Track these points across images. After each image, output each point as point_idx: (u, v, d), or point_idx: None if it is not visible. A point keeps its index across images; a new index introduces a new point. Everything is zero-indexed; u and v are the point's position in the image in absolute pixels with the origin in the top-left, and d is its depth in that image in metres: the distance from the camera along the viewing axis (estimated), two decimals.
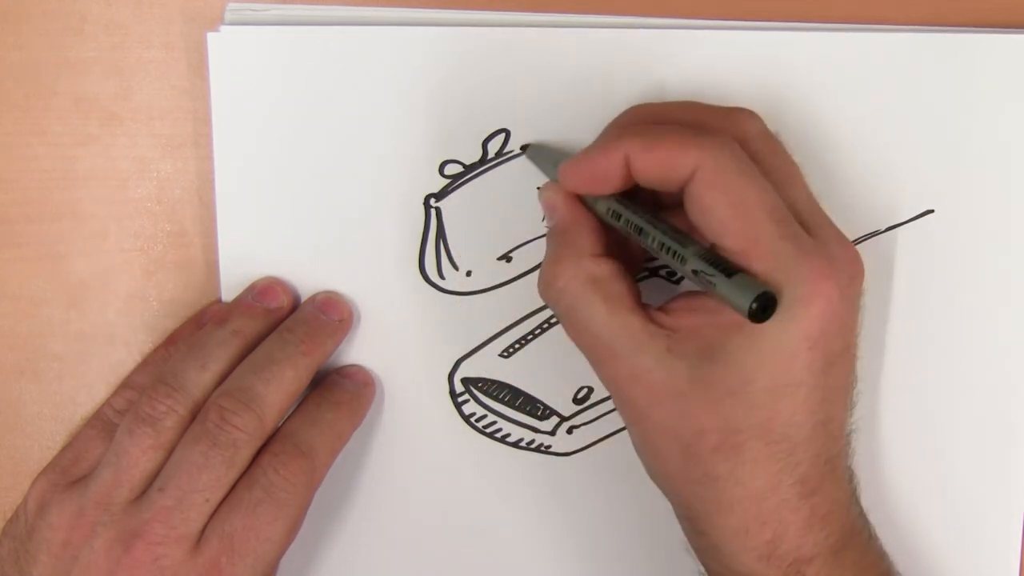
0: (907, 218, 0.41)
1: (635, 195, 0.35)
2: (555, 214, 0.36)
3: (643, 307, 0.34)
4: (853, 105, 0.40)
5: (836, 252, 0.33)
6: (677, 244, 0.33)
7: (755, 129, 0.35)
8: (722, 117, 0.35)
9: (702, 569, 0.36)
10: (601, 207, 0.35)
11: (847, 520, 0.34)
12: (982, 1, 0.41)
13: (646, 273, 0.40)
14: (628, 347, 0.33)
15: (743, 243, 0.32)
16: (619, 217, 0.35)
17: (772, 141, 0.35)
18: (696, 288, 0.34)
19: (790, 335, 0.32)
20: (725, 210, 0.32)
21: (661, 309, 0.34)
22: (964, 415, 0.42)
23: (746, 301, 0.30)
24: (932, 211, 0.41)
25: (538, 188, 0.38)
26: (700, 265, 0.32)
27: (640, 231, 0.34)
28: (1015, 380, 0.42)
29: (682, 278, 0.40)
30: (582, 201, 0.36)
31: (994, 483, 0.43)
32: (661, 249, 0.33)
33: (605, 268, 0.34)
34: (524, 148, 0.39)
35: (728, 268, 0.31)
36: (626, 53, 0.39)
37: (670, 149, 0.33)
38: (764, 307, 0.30)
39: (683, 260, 0.32)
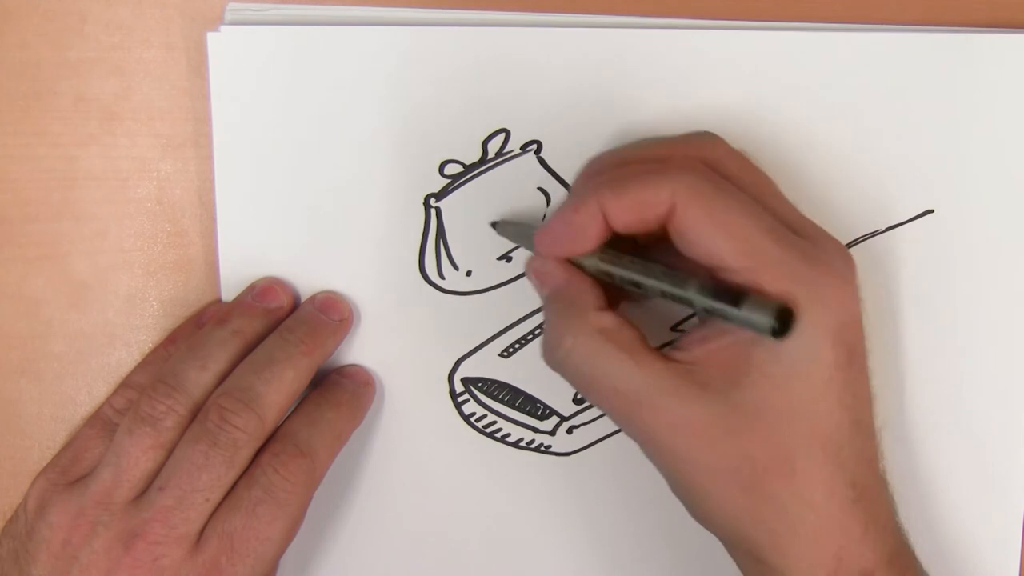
0: (907, 218, 0.41)
1: (620, 242, 0.35)
2: (547, 279, 0.35)
3: (659, 351, 0.33)
4: (853, 105, 0.40)
5: (831, 249, 0.33)
6: (678, 288, 0.32)
7: (720, 150, 0.35)
8: (684, 145, 0.35)
9: None
10: (589, 266, 0.34)
11: (895, 528, 0.34)
12: (982, 1, 0.41)
13: None
14: (659, 394, 0.32)
15: (744, 260, 0.31)
16: (610, 276, 0.34)
17: (740, 158, 0.35)
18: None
19: (813, 337, 0.31)
20: (714, 233, 0.32)
21: (675, 348, 0.34)
22: (964, 415, 0.42)
23: (766, 322, 0.30)
24: (932, 211, 0.41)
25: (525, 264, 0.37)
26: (707, 303, 0.31)
27: (636, 285, 0.33)
28: (1015, 380, 0.42)
29: None
30: (572, 261, 0.35)
31: (994, 483, 0.43)
32: (664, 297, 0.33)
33: (612, 319, 0.33)
34: (494, 225, 0.39)
35: (735, 295, 0.31)
36: (626, 53, 0.39)
37: (642, 189, 0.32)
38: (784, 322, 0.30)
39: (690, 303, 0.32)
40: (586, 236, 0.34)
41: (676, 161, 0.33)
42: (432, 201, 0.40)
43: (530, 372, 0.41)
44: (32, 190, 0.40)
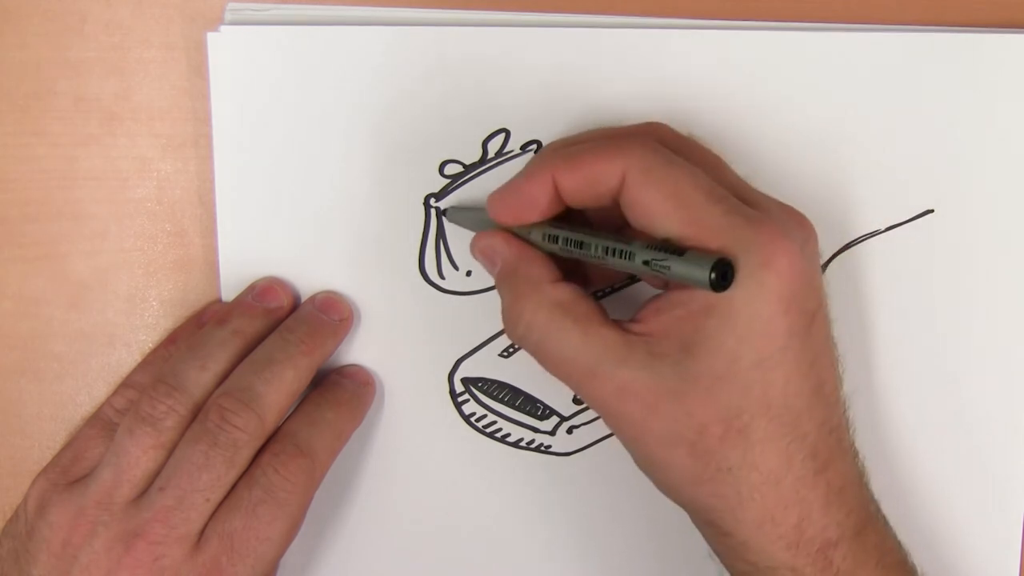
0: (907, 218, 0.41)
1: (566, 219, 0.35)
2: (497, 256, 0.36)
3: (614, 322, 0.34)
4: (853, 105, 0.40)
5: (783, 217, 0.33)
6: (622, 243, 0.33)
7: (669, 132, 0.36)
8: (635, 127, 0.36)
9: (724, 573, 0.35)
10: (536, 236, 0.35)
11: (863, 499, 0.34)
12: (982, 1, 0.41)
13: (609, 290, 0.40)
14: (610, 362, 0.33)
15: (690, 228, 0.32)
16: (557, 239, 0.34)
17: (688, 139, 0.36)
18: (656, 290, 0.34)
19: (763, 301, 0.31)
20: (664, 202, 0.32)
21: (631, 321, 0.34)
22: (963, 414, 0.42)
23: (704, 273, 0.30)
24: (932, 211, 0.41)
25: (470, 244, 0.37)
26: (650, 254, 0.32)
27: (581, 245, 0.34)
28: (1015, 379, 0.42)
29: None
30: (519, 236, 0.36)
31: (994, 483, 0.43)
32: (607, 254, 0.33)
33: (567, 291, 0.34)
34: (444, 212, 0.39)
35: (678, 248, 0.31)
36: (626, 53, 0.39)
37: (595, 161, 0.33)
38: (723, 274, 0.30)
39: (632, 256, 0.32)
40: (537, 205, 0.34)
41: (627, 137, 0.34)
42: (432, 201, 0.40)
43: (530, 372, 0.41)
44: (32, 190, 0.40)
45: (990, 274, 0.41)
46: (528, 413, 0.41)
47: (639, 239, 0.33)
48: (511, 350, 0.41)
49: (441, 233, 0.40)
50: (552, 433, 0.41)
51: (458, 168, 0.39)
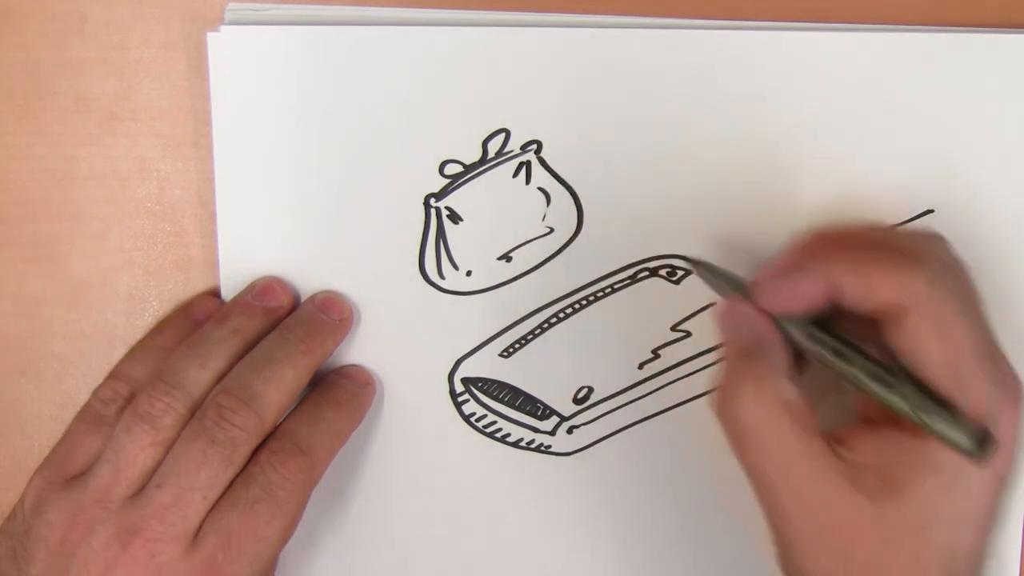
0: (907, 218, 0.41)
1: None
2: (743, 330, 0.35)
3: (824, 436, 0.33)
4: (853, 105, 0.40)
5: (1014, 385, 0.33)
6: (888, 375, 0.32)
7: (950, 256, 0.35)
8: (921, 242, 0.35)
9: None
10: (794, 328, 0.34)
11: None
12: (982, 1, 0.41)
13: (646, 273, 0.40)
14: (810, 478, 0.32)
15: (953, 383, 0.32)
16: (816, 340, 0.34)
17: (963, 268, 0.35)
18: (871, 415, 0.34)
19: (985, 473, 0.32)
20: (938, 348, 0.32)
21: (840, 438, 0.33)
22: None
23: (966, 440, 0.30)
24: (932, 211, 0.41)
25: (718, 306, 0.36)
26: (915, 401, 0.32)
27: (841, 356, 0.33)
28: None
29: (682, 279, 0.40)
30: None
31: None
32: (868, 378, 0.33)
33: (795, 393, 0.33)
34: (693, 263, 0.38)
35: (947, 406, 0.31)
36: (627, 53, 0.39)
37: (883, 279, 0.32)
38: (984, 446, 0.31)
39: (890, 388, 0.32)
40: (807, 301, 0.33)
41: (915, 260, 0.33)
42: (432, 201, 0.40)
43: (530, 372, 0.41)
44: (32, 190, 0.40)
45: (990, 274, 0.41)
46: (528, 413, 0.41)
47: (903, 384, 0.32)
48: (511, 350, 0.41)
49: (441, 233, 0.40)
50: (552, 433, 0.41)
51: (458, 168, 0.39)
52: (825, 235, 0.35)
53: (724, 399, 0.34)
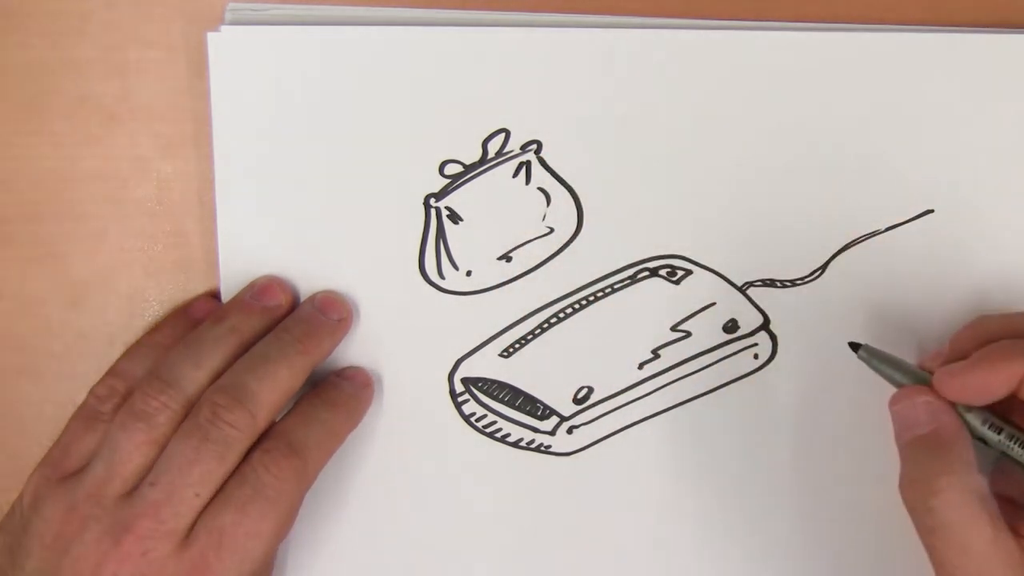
0: (907, 218, 0.41)
1: None
2: (933, 422, 0.35)
3: (1009, 527, 0.34)
4: (853, 105, 0.40)
5: None
6: None
7: None
8: None
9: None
10: (975, 418, 0.35)
11: None
12: (982, 1, 0.41)
13: (646, 273, 0.40)
14: (1012, 573, 0.33)
15: None
16: (999, 430, 0.35)
17: None
18: None
19: None
20: None
21: (1016, 534, 0.34)
22: None
23: None
24: (932, 211, 0.41)
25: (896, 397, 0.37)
26: None
27: (1007, 454, 0.35)
28: None
29: (682, 279, 0.40)
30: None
31: None
32: None
33: (984, 484, 0.34)
34: (857, 348, 0.38)
35: None
36: (626, 53, 0.39)
37: None
38: None
39: None
40: (992, 394, 0.35)
41: None
42: (432, 201, 0.40)
43: (530, 372, 0.41)
44: (32, 190, 0.40)
45: (989, 274, 0.41)
46: (528, 413, 0.41)
47: None
48: (511, 350, 0.41)
49: (441, 233, 0.40)
50: (552, 433, 0.41)
51: (458, 168, 0.39)
52: (991, 325, 0.37)
53: (917, 490, 0.34)
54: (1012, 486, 0.37)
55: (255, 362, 0.36)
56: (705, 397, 0.41)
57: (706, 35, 0.39)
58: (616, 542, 0.42)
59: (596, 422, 0.41)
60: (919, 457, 0.35)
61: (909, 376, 0.37)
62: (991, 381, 0.34)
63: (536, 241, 0.40)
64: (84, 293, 0.40)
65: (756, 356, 0.41)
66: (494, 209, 0.40)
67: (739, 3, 0.40)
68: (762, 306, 0.41)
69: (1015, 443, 0.35)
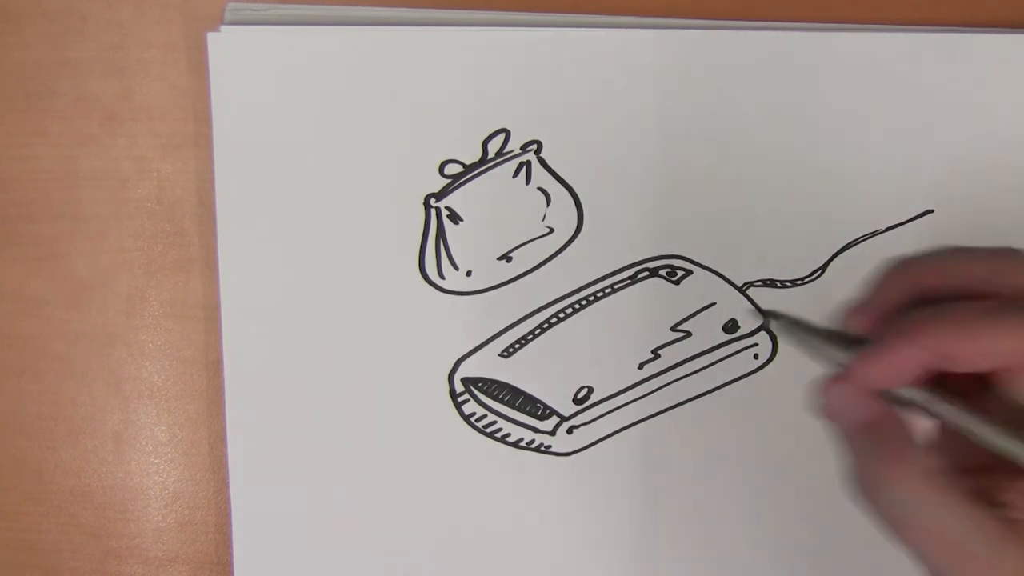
0: (907, 218, 0.41)
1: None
2: (856, 411, 0.32)
3: (973, 495, 0.31)
4: (853, 105, 0.40)
5: None
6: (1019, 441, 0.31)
7: None
8: (1013, 271, 0.32)
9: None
10: (906, 396, 0.32)
11: None
12: (982, 1, 0.41)
13: (646, 273, 0.40)
14: (987, 546, 0.31)
15: None
16: (933, 404, 0.32)
17: None
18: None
19: None
20: None
21: (993, 503, 0.32)
22: None
23: None
24: (932, 211, 0.41)
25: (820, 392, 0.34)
26: None
27: (969, 415, 0.32)
28: None
29: (682, 279, 0.40)
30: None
31: None
32: (999, 438, 0.31)
33: (934, 460, 0.31)
34: (769, 315, 0.34)
35: None
36: (626, 53, 0.39)
37: (996, 339, 0.30)
38: None
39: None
40: (912, 370, 0.31)
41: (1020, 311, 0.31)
42: (432, 201, 0.40)
43: (530, 372, 0.41)
44: (32, 190, 0.40)
45: None
46: (528, 413, 0.41)
47: None
48: (511, 350, 0.41)
49: (441, 233, 0.40)
50: (552, 433, 0.41)
51: (458, 168, 0.39)
52: (902, 278, 0.33)
53: (868, 487, 0.32)
54: (959, 456, 0.34)
55: None
56: (705, 397, 0.41)
57: (707, 35, 0.39)
58: (615, 542, 0.42)
59: (596, 422, 0.41)
60: (856, 453, 0.32)
61: (824, 339, 0.33)
62: (905, 358, 0.31)
63: (536, 241, 0.40)
64: (84, 293, 0.40)
65: (756, 356, 0.41)
66: (494, 209, 0.40)
67: (739, 3, 0.40)
68: (762, 306, 0.41)
69: (958, 415, 0.32)
